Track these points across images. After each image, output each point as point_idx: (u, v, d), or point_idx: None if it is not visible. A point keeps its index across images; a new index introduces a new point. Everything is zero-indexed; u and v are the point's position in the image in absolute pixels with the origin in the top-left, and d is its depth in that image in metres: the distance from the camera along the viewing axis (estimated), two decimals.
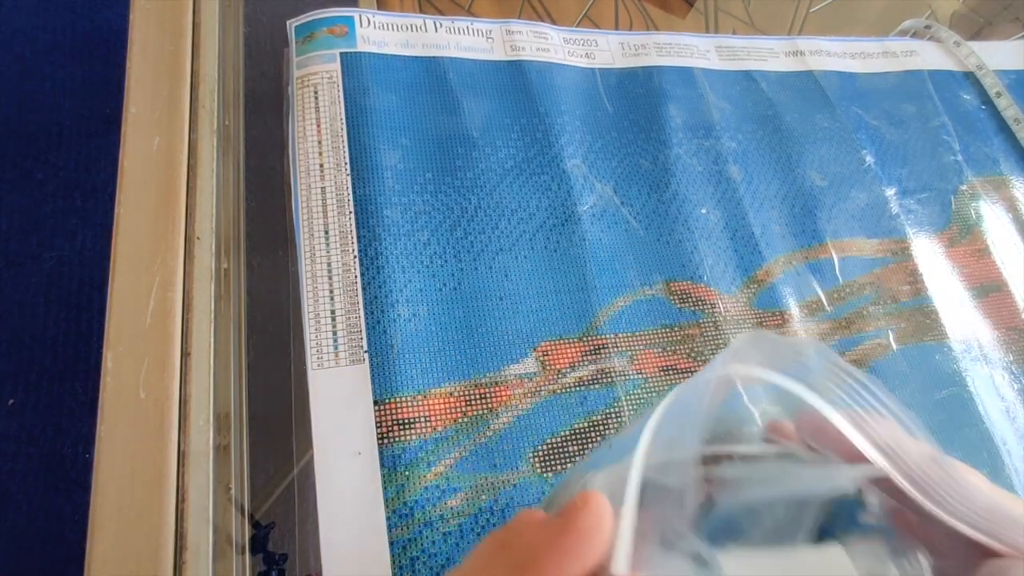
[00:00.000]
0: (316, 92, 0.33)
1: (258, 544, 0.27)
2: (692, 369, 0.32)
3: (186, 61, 0.33)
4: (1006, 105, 0.44)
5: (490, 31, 0.38)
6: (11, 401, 0.71)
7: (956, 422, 0.33)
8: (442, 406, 0.28)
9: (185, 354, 0.27)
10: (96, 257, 0.80)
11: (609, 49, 0.41)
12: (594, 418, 0.29)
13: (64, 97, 0.88)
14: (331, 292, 0.29)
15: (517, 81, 0.37)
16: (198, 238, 0.30)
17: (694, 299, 0.33)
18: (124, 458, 0.25)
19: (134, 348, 0.27)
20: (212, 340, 0.28)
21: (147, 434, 0.25)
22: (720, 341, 0.33)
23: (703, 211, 0.36)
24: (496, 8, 0.44)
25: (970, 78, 0.46)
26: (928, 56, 0.47)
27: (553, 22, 0.44)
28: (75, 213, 0.82)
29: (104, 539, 0.24)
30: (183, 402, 0.26)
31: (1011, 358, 0.36)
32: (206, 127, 0.32)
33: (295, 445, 0.28)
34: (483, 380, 0.29)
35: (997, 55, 0.47)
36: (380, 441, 0.27)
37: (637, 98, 0.39)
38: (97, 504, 0.24)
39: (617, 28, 0.46)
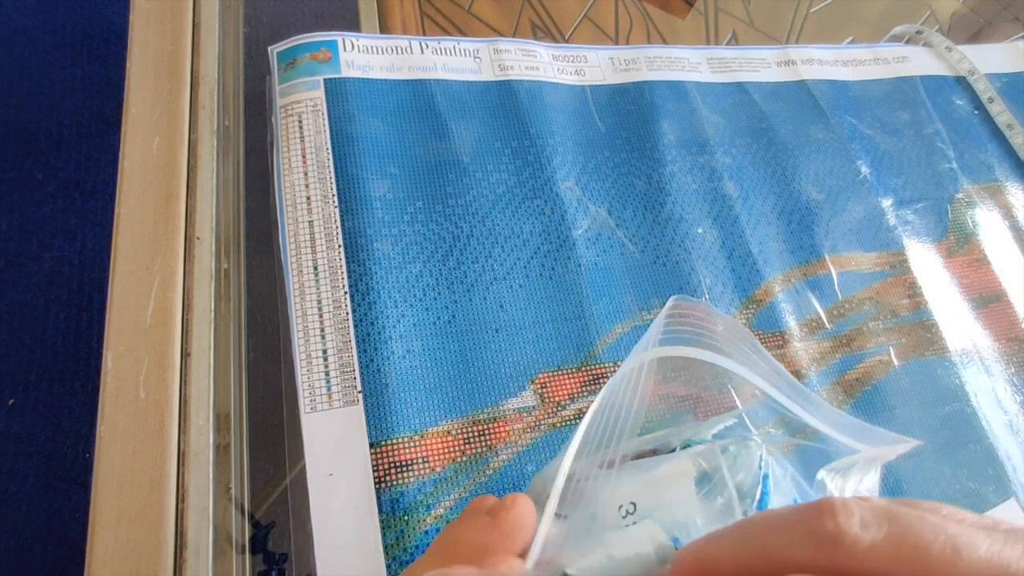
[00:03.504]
0: (300, 121, 0.32)
1: (258, 544, 0.26)
2: (691, 396, 0.31)
3: (186, 61, 0.33)
4: (999, 111, 0.43)
5: (477, 50, 0.37)
6: (11, 401, 0.72)
7: (960, 439, 0.33)
8: (440, 446, 0.27)
9: (185, 354, 0.28)
10: (96, 257, 0.81)
11: (599, 65, 0.40)
12: None
13: (64, 97, 0.88)
14: (322, 331, 0.28)
15: (507, 102, 0.36)
16: (198, 238, 0.30)
17: None
18: (124, 458, 0.25)
19: (134, 348, 0.27)
20: (212, 340, 0.28)
21: (147, 434, 0.26)
22: (720, 366, 0.32)
23: (699, 230, 0.35)
24: (496, 8, 0.44)
25: (962, 83, 0.46)
26: (919, 61, 0.46)
27: (553, 22, 0.44)
28: (75, 213, 0.82)
29: (104, 539, 0.24)
30: (183, 402, 0.27)
31: (1012, 370, 0.36)
32: (206, 127, 0.32)
33: (296, 445, 0.28)
34: (481, 416, 0.28)
35: (988, 58, 0.47)
36: (377, 485, 0.26)
37: (629, 115, 0.38)
38: (97, 504, 0.24)
39: (617, 28, 0.45)
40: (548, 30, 0.44)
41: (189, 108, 0.32)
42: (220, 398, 0.28)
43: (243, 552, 0.26)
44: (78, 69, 0.91)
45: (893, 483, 0.31)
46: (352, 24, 0.40)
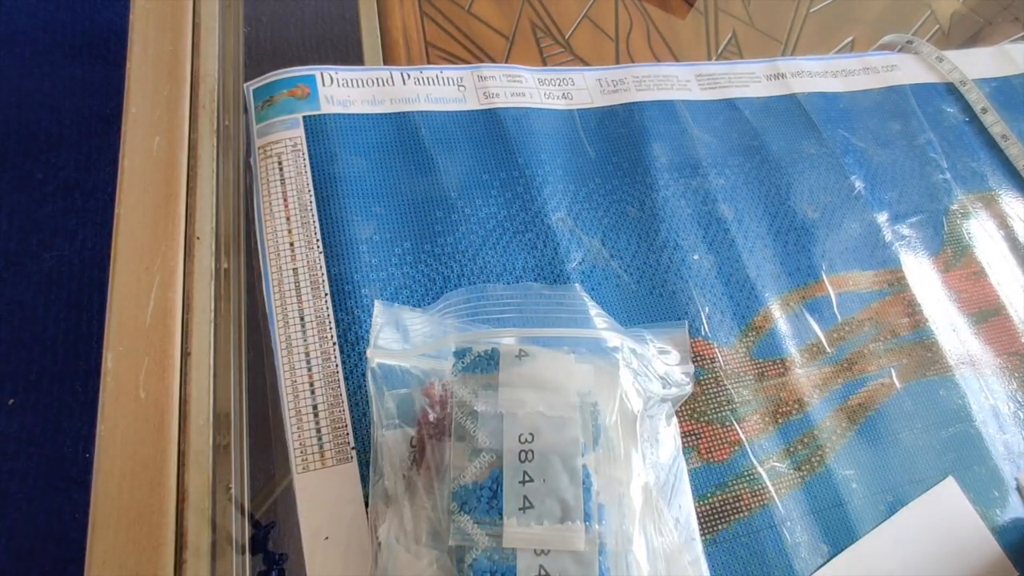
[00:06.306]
0: (280, 163, 0.31)
1: (258, 544, 0.26)
2: (695, 431, 0.30)
3: (186, 61, 0.34)
4: (992, 121, 0.43)
5: (461, 78, 0.36)
6: (11, 401, 0.71)
7: (966, 461, 0.33)
8: None
9: (185, 354, 0.28)
10: (96, 257, 0.80)
11: (586, 87, 0.39)
12: None
13: (64, 97, 0.88)
14: (311, 385, 0.27)
15: (493, 131, 0.35)
16: (198, 238, 0.30)
17: (693, 356, 0.32)
18: (124, 458, 0.25)
19: (134, 348, 0.27)
20: (212, 340, 0.29)
21: (147, 434, 0.26)
22: (722, 398, 0.31)
23: (695, 257, 0.35)
24: (496, 8, 0.43)
25: (952, 91, 0.45)
26: (908, 69, 0.46)
27: (554, 22, 0.43)
28: (75, 213, 0.82)
29: (104, 539, 0.24)
30: (183, 402, 0.27)
31: (1014, 385, 0.36)
32: (206, 127, 0.33)
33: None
34: None
35: (976, 64, 0.47)
36: (375, 548, 0.25)
37: (619, 139, 0.37)
38: (97, 504, 0.24)
39: (617, 28, 0.45)
40: (548, 30, 0.43)
41: (189, 108, 0.32)
42: (220, 398, 0.28)
43: (243, 552, 0.26)
44: (78, 69, 0.91)
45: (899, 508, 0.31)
46: (352, 24, 0.39)
